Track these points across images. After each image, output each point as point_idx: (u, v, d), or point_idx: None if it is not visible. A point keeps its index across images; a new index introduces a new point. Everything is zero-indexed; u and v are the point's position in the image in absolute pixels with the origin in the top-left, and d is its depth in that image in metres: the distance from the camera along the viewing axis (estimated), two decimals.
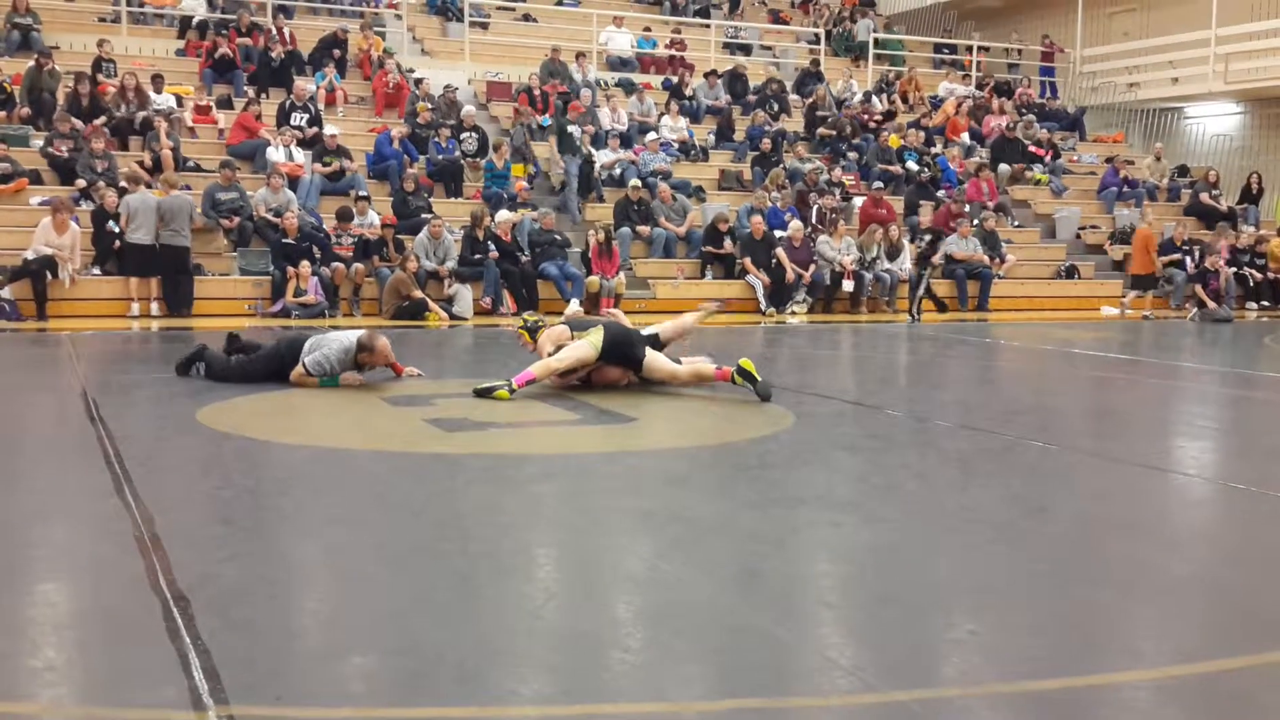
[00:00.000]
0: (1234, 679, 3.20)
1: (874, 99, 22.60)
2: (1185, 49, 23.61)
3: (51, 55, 17.48)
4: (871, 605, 3.77)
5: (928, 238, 18.03)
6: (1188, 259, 18.35)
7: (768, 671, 3.17)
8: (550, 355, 8.12)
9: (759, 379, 7.95)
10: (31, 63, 17.03)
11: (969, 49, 26.15)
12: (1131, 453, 6.67)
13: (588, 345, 8.11)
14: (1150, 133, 24.65)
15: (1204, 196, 20.72)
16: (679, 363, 8.33)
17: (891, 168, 20.03)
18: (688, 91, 21.36)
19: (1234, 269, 18.38)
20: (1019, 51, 26.58)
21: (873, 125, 21.19)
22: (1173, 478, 6.02)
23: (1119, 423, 8.06)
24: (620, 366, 8.28)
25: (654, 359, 8.25)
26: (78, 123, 16.03)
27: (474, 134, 18.21)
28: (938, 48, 26.95)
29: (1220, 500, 5.58)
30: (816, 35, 25.80)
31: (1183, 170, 22.42)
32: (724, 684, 3.13)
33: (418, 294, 14.41)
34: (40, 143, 15.98)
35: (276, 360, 8.41)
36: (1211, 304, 17.51)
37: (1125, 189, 20.78)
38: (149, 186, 14.55)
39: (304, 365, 8.16)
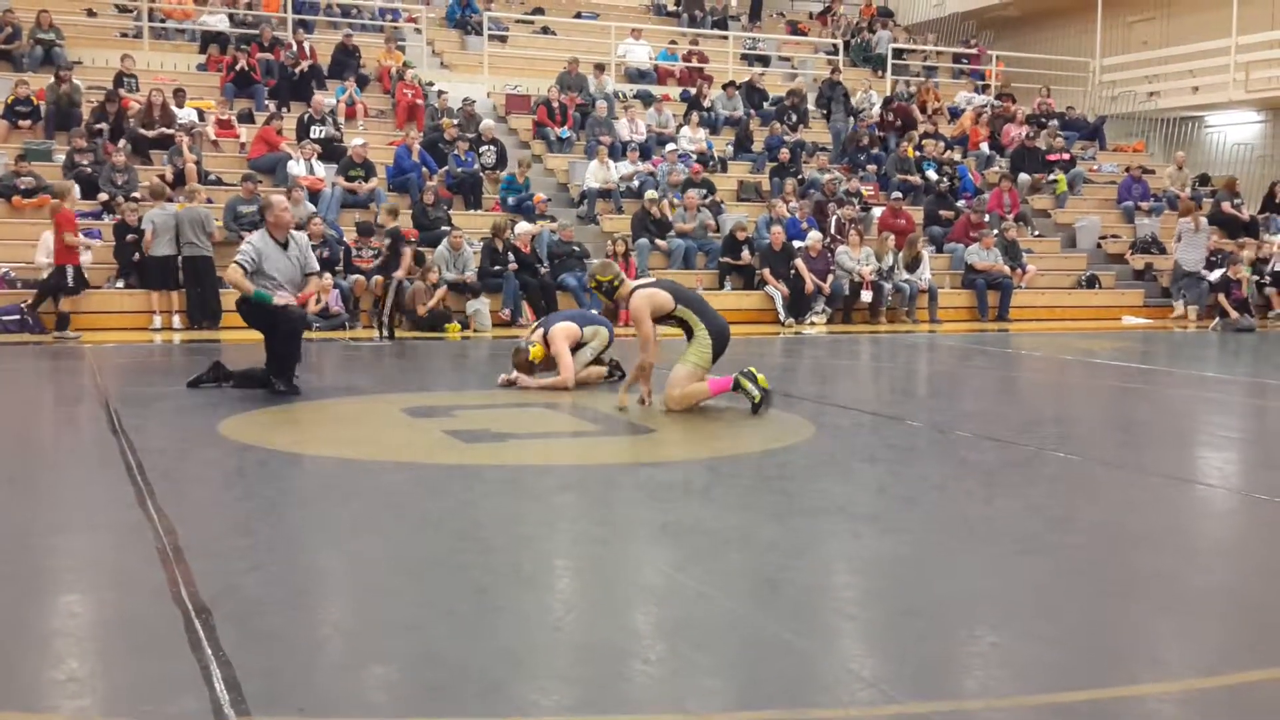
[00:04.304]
0: (1259, 691, 3.17)
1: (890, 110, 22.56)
2: (1205, 58, 23.52)
3: (72, 70, 17.62)
4: (893, 617, 3.76)
5: (383, 242, 14.71)
6: (1215, 270, 18.22)
7: (788, 683, 3.15)
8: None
9: (756, 398, 7.78)
10: (52, 79, 17.19)
11: (991, 58, 26.08)
12: (1155, 463, 6.63)
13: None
14: (1171, 142, 24.54)
15: (1225, 205, 20.60)
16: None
17: (910, 178, 19.98)
18: (706, 103, 21.38)
19: (1256, 278, 18.25)
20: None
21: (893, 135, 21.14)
22: (1196, 489, 5.98)
23: (1141, 433, 8.01)
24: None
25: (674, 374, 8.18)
26: (98, 141, 16.17)
27: (492, 147, 18.26)
28: (956, 58, 26.90)
29: (1244, 511, 5.53)
30: (835, 46, 25.81)
31: (1204, 179, 22.29)
32: (745, 696, 3.12)
33: (424, 310, 14.41)
34: (63, 157, 16.10)
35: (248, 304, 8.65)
36: (1234, 314, 17.40)
37: (1137, 195, 20.65)
38: (170, 200, 14.64)
39: (234, 264, 8.52)
